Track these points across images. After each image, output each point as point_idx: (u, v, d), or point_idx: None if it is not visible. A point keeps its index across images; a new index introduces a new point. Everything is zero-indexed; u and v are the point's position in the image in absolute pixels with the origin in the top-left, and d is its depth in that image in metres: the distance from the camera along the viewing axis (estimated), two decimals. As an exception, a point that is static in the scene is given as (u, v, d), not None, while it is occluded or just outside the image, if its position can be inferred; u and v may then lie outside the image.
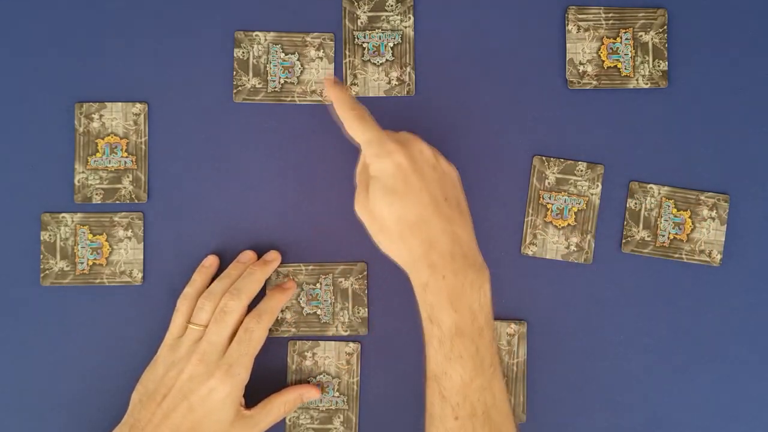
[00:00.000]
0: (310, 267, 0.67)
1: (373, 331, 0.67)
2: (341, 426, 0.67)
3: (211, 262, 0.66)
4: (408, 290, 0.66)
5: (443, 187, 0.58)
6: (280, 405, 0.64)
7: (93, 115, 0.67)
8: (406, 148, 0.57)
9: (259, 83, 0.68)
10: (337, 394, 0.67)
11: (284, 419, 0.66)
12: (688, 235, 0.67)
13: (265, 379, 0.66)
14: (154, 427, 0.60)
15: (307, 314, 0.67)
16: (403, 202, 0.57)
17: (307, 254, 0.67)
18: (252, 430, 0.62)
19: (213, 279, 0.66)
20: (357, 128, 0.58)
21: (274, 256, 0.66)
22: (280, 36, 0.68)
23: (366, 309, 0.67)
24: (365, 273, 0.67)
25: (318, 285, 0.67)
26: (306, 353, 0.67)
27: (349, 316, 0.67)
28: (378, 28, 0.68)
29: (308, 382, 0.67)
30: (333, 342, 0.67)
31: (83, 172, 0.67)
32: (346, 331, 0.67)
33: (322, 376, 0.67)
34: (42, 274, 0.67)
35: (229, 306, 0.63)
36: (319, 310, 0.67)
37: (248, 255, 0.67)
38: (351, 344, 0.67)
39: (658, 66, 0.67)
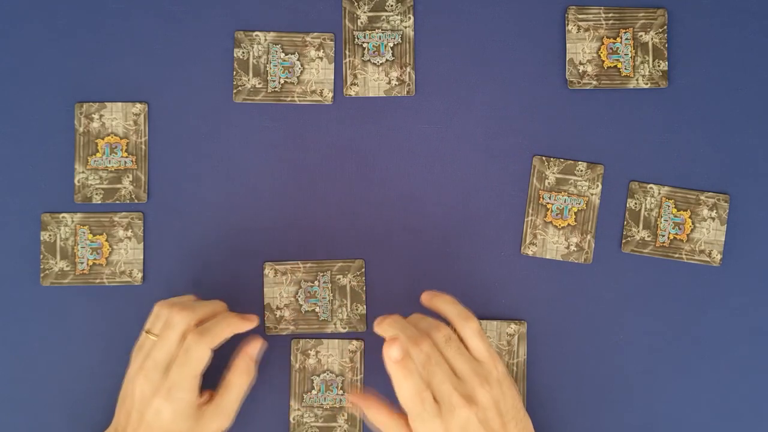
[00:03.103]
0: (308, 264, 0.67)
1: (371, 329, 0.67)
2: (345, 424, 0.67)
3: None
4: (406, 287, 0.66)
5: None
6: (236, 376, 0.60)
7: (93, 115, 0.67)
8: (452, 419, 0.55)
9: (259, 83, 0.68)
10: (341, 391, 0.67)
11: (288, 419, 0.66)
12: (688, 235, 0.67)
13: (268, 378, 0.66)
14: None
15: (305, 312, 0.67)
16: None
17: (306, 252, 0.67)
18: (221, 415, 0.59)
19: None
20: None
21: (253, 318, 0.62)
22: (280, 36, 0.68)
23: (364, 306, 0.67)
24: (363, 270, 0.67)
25: (316, 282, 0.67)
26: (309, 351, 0.67)
27: (347, 314, 0.67)
28: (378, 28, 0.68)
29: (249, 335, 0.62)
30: (336, 340, 0.67)
31: (83, 172, 0.67)
32: (344, 328, 0.67)
33: (325, 374, 0.67)
34: (42, 274, 0.67)
35: (174, 319, 0.58)
36: (318, 308, 0.67)
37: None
38: (354, 342, 0.67)
39: (658, 66, 0.67)
